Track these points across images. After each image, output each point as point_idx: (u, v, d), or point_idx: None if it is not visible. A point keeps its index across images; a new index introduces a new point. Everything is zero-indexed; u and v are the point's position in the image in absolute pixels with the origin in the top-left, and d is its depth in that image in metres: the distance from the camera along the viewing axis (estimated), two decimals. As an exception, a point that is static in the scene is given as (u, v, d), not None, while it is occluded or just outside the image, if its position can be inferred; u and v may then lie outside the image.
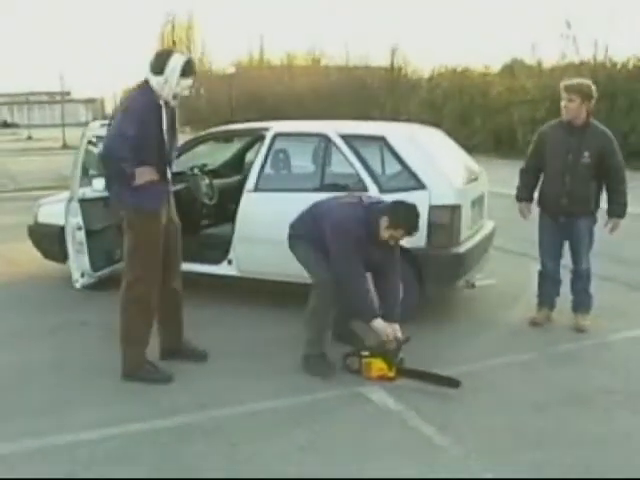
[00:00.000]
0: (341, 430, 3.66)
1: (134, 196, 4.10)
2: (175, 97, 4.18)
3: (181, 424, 3.72)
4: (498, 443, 3.52)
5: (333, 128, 5.56)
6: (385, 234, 4.27)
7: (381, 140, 5.42)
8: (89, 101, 64.79)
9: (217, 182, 6.62)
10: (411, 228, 4.29)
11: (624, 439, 3.57)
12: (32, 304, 5.96)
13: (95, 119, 55.25)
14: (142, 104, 4.10)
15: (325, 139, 5.52)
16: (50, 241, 6.39)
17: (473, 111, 21.93)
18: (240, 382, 4.27)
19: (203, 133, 6.43)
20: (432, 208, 5.13)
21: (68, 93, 69.55)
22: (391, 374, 4.28)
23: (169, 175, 4.28)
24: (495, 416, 3.82)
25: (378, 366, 4.29)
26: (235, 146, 7.46)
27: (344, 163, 5.43)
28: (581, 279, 5.28)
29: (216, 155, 7.65)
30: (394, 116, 25.75)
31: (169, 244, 4.34)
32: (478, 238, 5.72)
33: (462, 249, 5.29)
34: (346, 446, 3.49)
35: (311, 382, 4.24)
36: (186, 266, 5.80)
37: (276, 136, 5.70)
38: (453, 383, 4.12)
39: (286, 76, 38.13)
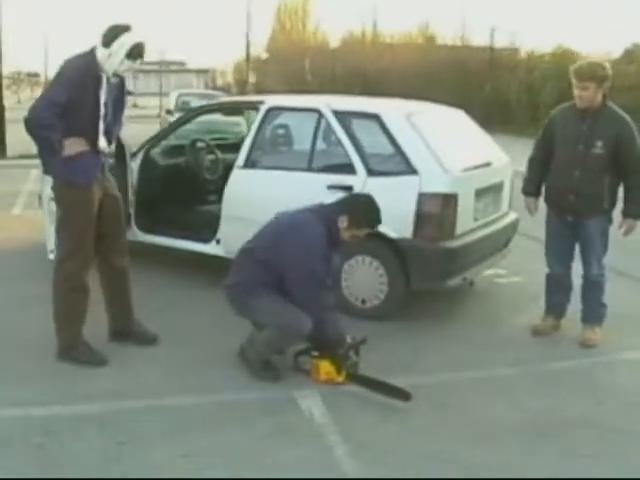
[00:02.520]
0: (243, 438, 3.27)
1: (64, 168, 3.85)
2: (115, 74, 3.92)
3: (83, 412, 3.46)
4: (411, 475, 3.02)
5: (326, 103, 5.10)
6: (346, 235, 3.81)
7: (375, 118, 4.90)
8: (201, 71, 66.18)
9: (230, 157, 6.30)
10: (373, 225, 3.86)
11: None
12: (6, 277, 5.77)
13: (206, 88, 56.55)
14: (78, 71, 3.84)
15: (318, 114, 5.07)
16: None
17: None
18: (172, 372, 3.96)
19: (198, 106, 6.13)
20: (421, 196, 4.60)
21: (183, 63, 71.39)
22: (339, 379, 3.85)
23: (104, 147, 3.99)
24: (428, 441, 3.30)
25: (326, 369, 3.86)
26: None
27: (336, 141, 4.98)
28: (591, 287, 4.59)
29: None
30: (495, 97, 24.70)
31: (107, 219, 4.08)
32: (486, 232, 5.13)
33: (456, 244, 4.72)
34: (236, 457, 3.11)
35: (249, 379, 3.87)
36: (177, 243, 5.67)
37: (269, 110, 5.30)
38: (403, 396, 3.63)
39: (389, 53, 37.28)
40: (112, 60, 3.82)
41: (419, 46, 36.76)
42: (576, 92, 4.39)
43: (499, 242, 5.46)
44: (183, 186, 5.98)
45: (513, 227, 5.69)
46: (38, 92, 57.13)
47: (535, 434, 3.39)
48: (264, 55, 57.05)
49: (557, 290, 4.76)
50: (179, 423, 3.39)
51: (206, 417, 3.46)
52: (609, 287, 4.66)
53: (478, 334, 4.77)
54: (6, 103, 16.52)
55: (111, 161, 4.61)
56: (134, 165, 5.71)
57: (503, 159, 5.56)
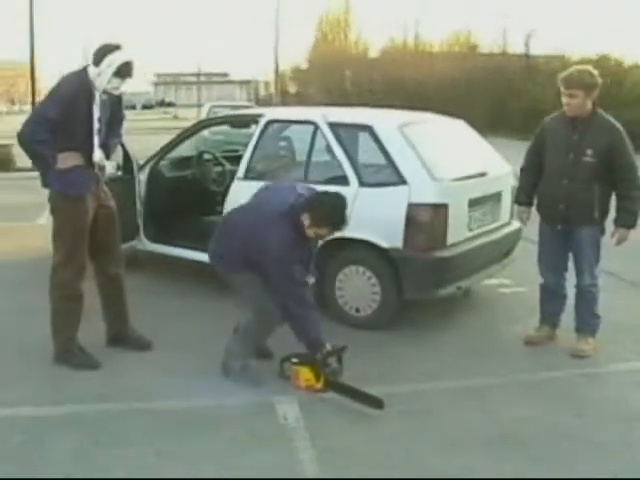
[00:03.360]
0: (213, 440, 3.38)
1: (59, 181, 4.02)
2: (105, 92, 4.08)
3: (68, 413, 3.63)
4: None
5: (322, 115, 5.20)
6: (310, 232, 3.86)
7: (368, 129, 4.98)
8: (244, 83, 67.07)
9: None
10: (335, 225, 3.82)
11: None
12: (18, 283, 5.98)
13: (249, 100, 57.20)
14: (71, 87, 4.02)
15: (314, 126, 5.17)
16: None
17: (606, 103, 20.06)
18: (160, 378, 4.09)
19: (199, 120, 6.29)
20: (411, 206, 4.66)
21: (226, 74, 72.55)
22: (318, 385, 3.93)
23: (99, 160, 4.15)
24: (396, 448, 3.35)
25: (305, 376, 3.95)
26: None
27: (330, 152, 5.07)
28: (583, 297, 4.57)
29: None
30: (534, 106, 24.37)
31: (102, 229, 4.25)
32: (483, 241, 5.15)
33: (448, 253, 4.76)
34: (202, 458, 3.22)
35: (232, 386, 3.97)
36: (183, 252, 5.83)
37: (268, 123, 5.43)
38: (376, 404, 3.70)
39: (427, 62, 37.22)
40: (101, 78, 3.99)
41: (457, 54, 36.62)
42: (564, 100, 4.40)
43: (498, 252, 5.47)
44: (190, 197, 6.15)
45: (514, 237, 5.68)
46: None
47: (506, 443, 3.41)
48: (304, 65, 57.51)
49: (551, 300, 4.75)
50: (156, 425, 3.52)
51: (183, 420, 3.59)
52: (608, 295, 4.65)
53: (469, 343, 4.79)
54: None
55: (119, 173, 4.81)
56: (142, 177, 5.90)
57: (503, 169, 5.57)
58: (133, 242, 5.93)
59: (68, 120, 3.94)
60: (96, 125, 4.08)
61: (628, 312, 5.41)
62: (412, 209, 4.65)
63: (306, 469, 3.14)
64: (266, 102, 48.98)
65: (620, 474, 3.15)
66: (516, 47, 32.10)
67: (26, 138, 3.95)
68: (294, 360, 4.01)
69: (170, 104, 65.63)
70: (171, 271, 6.15)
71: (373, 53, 41.32)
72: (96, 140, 4.11)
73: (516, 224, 5.72)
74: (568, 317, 4.73)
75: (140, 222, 5.90)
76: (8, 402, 3.72)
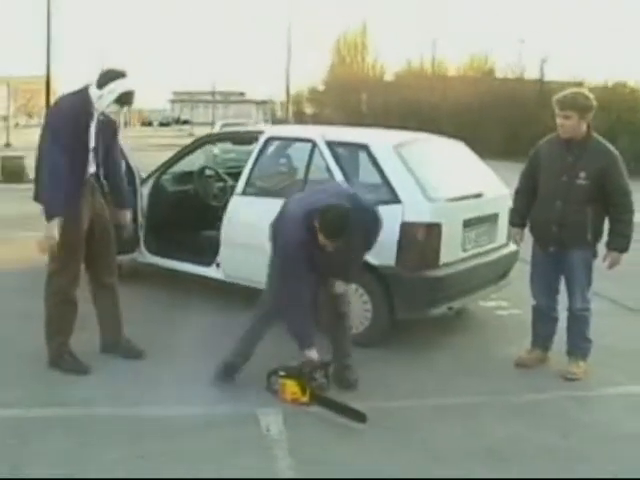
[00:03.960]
0: (195, 446, 3.43)
1: (50, 200, 4.11)
2: (102, 114, 4.22)
3: (56, 416, 3.71)
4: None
5: (321, 134, 5.28)
6: (320, 238, 3.90)
7: (364, 148, 5.06)
8: (261, 103, 67.64)
9: None
10: (328, 235, 3.86)
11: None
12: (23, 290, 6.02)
13: (266, 120, 57.72)
14: (73, 107, 4.17)
15: (312, 144, 5.25)
16: None
17: (620, 129, 20.13)
18: (148, 385, 4.16)
19: (200, 136, 6.39)
20: (404, 225, 4.71)
21: (243, 94, 73.19)
22: (304, 399, 3.97)
23: (93, 172, 4.29)
24: (374, 462, 3.37)
25: (292, 389, 3.99)
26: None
27: (327, 170, 5.14)
28: (575, 321, 4.56)
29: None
30: (547, 131, 24.31)
31: (97, 239, 4.34)
32: (478, 262, 5.18)
33: (440, 273, 4.80)
34: (183, 461, 3.29)
35: (219, 396, 4.02)
36: (182, 266, 5.90)
37: (268, 140, 5.52)
38: (359, 417, 3.73)
39: (441, 86, 37.44)
40: (101, 102, 4.14)
41: (471, 79, 36.80)
42: (558, 121, 4.42)
43: (493, 273, 5.49)
44: (190, 211, 6.23)
45: (511, 259, 5.70)
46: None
47: (489, 459, 3.44)
48: (321, 86, 57.95)
49: (543, 322, 4.75)
50: (142, 430, 3.59)
51: (168, 426, 3.65)
52: (605, 320, 4.64)
53: (462, 363, 4.80)
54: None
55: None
56: (144, 190, 6.00)
57: (501, 191, 5.60)
58: (134, 254, 6.01)
59: (70, 135, 4.09)
60: (92, 144, 4.22)
61: (623, 337, 5.39)
62: (405, 228, 4.70)
63: (281, 476, 3.19)
64: (282, 122, 49.32)
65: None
66: (532, 72, 32.25)
67: (51, 169, 4.08)
68: (281, 373, 4.05)
69: (186, 122, 66.41)
70: (170, 284, 6.22)
71: (389, 76, 41.56)
72: (91, 156, 4.25)
73: (513, 246, 5.74)
74: (560, 340, 4.72)
75: (141, 235, 5.99)
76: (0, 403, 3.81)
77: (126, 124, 72.74)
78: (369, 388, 4.23)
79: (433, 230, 4.72)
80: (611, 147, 4.46)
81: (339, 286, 4.18)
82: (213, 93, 49.30)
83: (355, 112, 45.61)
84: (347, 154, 5.15)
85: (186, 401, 3.94)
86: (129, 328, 4.67)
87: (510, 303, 6.13)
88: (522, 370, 4.67)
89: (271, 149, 5.67)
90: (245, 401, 3.97)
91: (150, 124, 79.42)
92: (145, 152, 24.92)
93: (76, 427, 3.59)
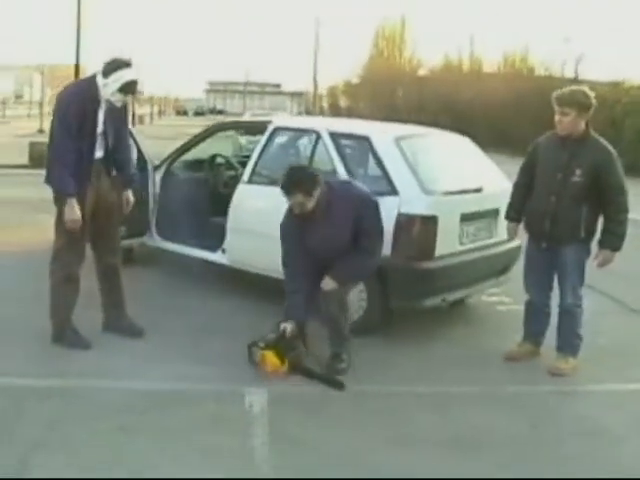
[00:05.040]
0: (175, 421, 3.59)
1: (59, 181, 4.33)
2: (107, 102, 4.38)
3: (51, 386, 3.90)
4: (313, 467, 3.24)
5: (325, 125, 5.41)
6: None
7: (365, 140, 5.17)
8: (295, 94, 67.83)
9: None
10: (282, 188, 4.23)
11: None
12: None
13: (300, 112, 57.82)
14: (78, 94, 4.37)
15: (316, 135, 5.38)
16: None
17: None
18: (143, 362, 4.33)
19: (211, 125, 6.53)
20: (400, 216, 4.81)
21: (278, 85, 73.49)
22: (283, 369, 4.18)
23: (100, 156, 4.47)
24: (348, 442, 3.50)
25: (271, 360, 4.19)
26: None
27: (329, 161, 5.26)
28: (565, 316, 4.60)
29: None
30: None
31: (101, 221, 4.52)
32: (475, 256, 5.25)
33: (434, 265, 4.89)
34: (161, 435, 3.45)
35: (209, 374, 4.18)
36: (190, 250, 6.08)
37: (275, 130, 5.65)
38: (337, 385, 4.00)
39: (476, 81, 37.15)
40: (106, 90, 4.32)
41: (506, 75, 36.44)
42: (556, 118, 4.47)
43: (492, 268, 5.55)
44: (201, 198, 6.40)
45: (513, 254, 5.74)
46: (141, 109, 60.26)
47: (455, 446, 3.54)
48: (355, 80, 57.84)
49: (535, 317, 4.81)
50: (127, 403, 3.76)
51: (153, 400, 3.81)
52: (603, 318, 4.68)
53: (453, 355, 4.89)
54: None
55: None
56: (157, 176, 6.18)
57: (503, 186, 5.65)
58: (143, 237, 6.21)
59: (77, 121, 4.27)
60: (100, 127, 4.40)
61: (619, 336, 5.43)
62: (401, 219, 4.80)
63: (256, 452, 3.33)
64: (314, 114, 49.37)
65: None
66: (570, 71, 31.88)
67: (61, 155, 4.30)
68: (260, 345, 4.25)
69: (221, 112, 66.96)
70: (177, 268, 6.41)
71: (424, 71, 41.35)
72: (99, 140, 4.44)
73: (516, 241, 5.79)
74: (554, 335, 4.78)
75: (152, 219, 6.18)
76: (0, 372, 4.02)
77: (161, 113, 73.95)
78: (359, 373, 4.35)
79: (428, 222, 4.81)
80: (608, 145, 4.49)
81: (327, 283, 4.28)
82: (245, 84, 49.57)
83: (389, 106, 45.51)
84: (349, 145, 5.26)
85: (177, 378, 4.11)
86: (133, 308, 4.85)
87: (512, 299, 6.17)
88: (511, 363, 4.75)
89: (278, 139, 5.81)
90: (233, 379, 4.12)
91: (185, 113, 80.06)
92: (179, 140, 25.26)
93: (70, 397, 3.78)
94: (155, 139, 18.63)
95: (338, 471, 3.22)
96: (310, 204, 4.16)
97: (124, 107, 4.61)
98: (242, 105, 59.40)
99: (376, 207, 4.36)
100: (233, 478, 3.12)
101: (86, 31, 19.37)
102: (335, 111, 62.72)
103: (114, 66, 4.30)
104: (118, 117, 4.56)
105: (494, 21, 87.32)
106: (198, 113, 74.25)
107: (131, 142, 5.84)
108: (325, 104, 65.83)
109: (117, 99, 4.37)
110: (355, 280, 4.55)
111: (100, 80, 4.33)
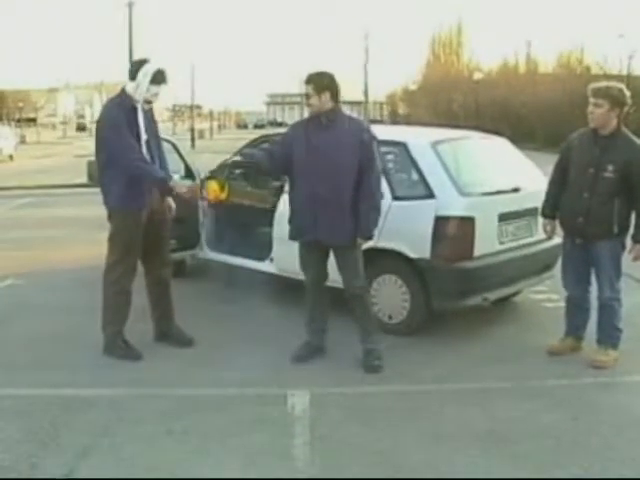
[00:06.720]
0: (222, 422, 3.77)
1: (118, 196, 4.53)
2: (146, 102, 4.57)
3: (99, 395, 4.11)
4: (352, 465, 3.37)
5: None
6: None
7: (402, 146, 5.29)
8: (355, 103, 67.86)
9: None
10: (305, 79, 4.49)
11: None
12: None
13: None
14: (115, 110, 4.53)
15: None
16: None
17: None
18: (191, 369, 4.54)
19: (256, 137, 6.69)
20: (438, 219, 4.91)
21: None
22: (223, 195, 5.38)
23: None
24: (386, 440, 3.60)
25: (212, 187, 5.18)
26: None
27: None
28: (604, 310, 4.63)
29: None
30: (634, 129, 23.39)
31: (153, 236, 4.71)
32: (515, 254, 5.30)
33: (473, 264, 4.97)
34: (208, 435, 3.62)
35: (254, 379, 4.36)
36: (239, 261, 6.30)
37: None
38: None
39: (531, 84, 36.57)
40: (140, 89, 4.49)
41: (560, 76, 35.76)
42: (589, 109, 4.52)
43: (533, 266, 5.57)
44: (249, 209, 6.60)
45: (554, 251, 5.72)
46: (201, 124, 60.96)
47: (490, 439, 3.60)
48: (412, 86, 57.67)
49: (575, 312, 4.84)
50: (173, 408, 3.96)
51: (199, 405, 4.02)
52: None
53: (491, 351, 4.95)
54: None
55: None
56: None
57: (542, 186, 5.67)
58: (194, 250, 6.47)
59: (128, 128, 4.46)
60: (144, 136, 4.57)
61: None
62: (439, 222, 4.90)
63: (296, 451, 3.47)
64: (376, 122, 49.48)
65: (593, 474, 3.28)
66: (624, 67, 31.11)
67: (130, 166, 4.48)
68: (206, 175, 5.10)
69: (280, 124, 67.61)
70: (228, 279, 6.67)
71: (480, 75, 40.87)
72: (144, 149, 4.57)
73: (556, 240, 5.80)
74: (595, 329, 4.79)
75: (202, 232, 6.43)
76: (52, 383, 4.26)
77: (221, 127, 75.01)
78: (393, 372, 4.47)
79: (466, 223, 4.90)
80: (638, 142, 4.51)
81: (360, 244, 4.54)
82: (302, 95, 49.84)
83: (446, 112, 45.18)
84: (387, 151, 5.36)
85: (224, 384, 4.29)
86: (182, 319, 5.07)
87: (559, 296, 6.12)
88: (552, 358, 4.78)
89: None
90: (276, 383, 4.29)
91: (245, 126, 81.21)
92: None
93: (119, 404, 3.98)
94: (212, 153, 19.08)
95: (379, 470, 3.32)
96: (314, 102, 4.43)
97: (153, 115, 4.74)
98: (300, 116, 59.74)
99: (376, 142, 4.52)
100: (276, 478, 3.26)
101: (139, 48, 19.89)
102: (394, 118, 62.58)
103: (136, 66, 4.52)
104: (152, 125, 4.70)
105: (549, 21, 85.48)
106: (258, 126, 75.16)
107: (176, 155, 6.14)
108: (385, 112, 65.64)
109: (153, 93, 4.52)
110: (377, 223, 4.59)
111: (130, 86, 4.51)
